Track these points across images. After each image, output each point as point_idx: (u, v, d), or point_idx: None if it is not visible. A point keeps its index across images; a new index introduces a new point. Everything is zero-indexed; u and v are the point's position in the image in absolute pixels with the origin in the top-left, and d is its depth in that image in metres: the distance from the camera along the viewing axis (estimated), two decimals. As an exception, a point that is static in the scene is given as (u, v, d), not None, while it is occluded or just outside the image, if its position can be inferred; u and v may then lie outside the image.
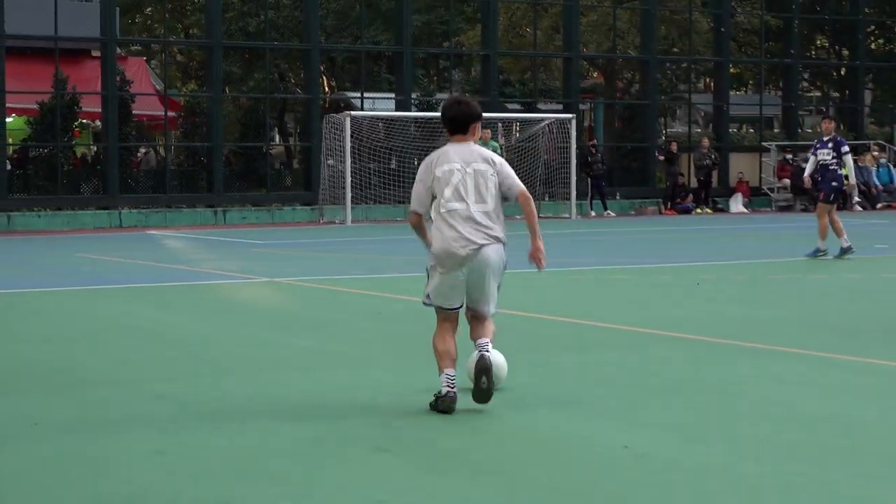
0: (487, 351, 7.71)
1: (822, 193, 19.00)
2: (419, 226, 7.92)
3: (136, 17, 50.92)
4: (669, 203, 36.39)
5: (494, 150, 25.81)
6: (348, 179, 31.06)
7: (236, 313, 12.76)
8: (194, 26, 48.95)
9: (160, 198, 32.18)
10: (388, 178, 32.68)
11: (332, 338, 10.85)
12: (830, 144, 19.19)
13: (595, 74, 48.93)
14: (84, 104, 32.72)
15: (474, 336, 7.90)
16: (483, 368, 7.58)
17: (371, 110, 36.09)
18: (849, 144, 19.89)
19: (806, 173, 19.66)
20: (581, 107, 39.57)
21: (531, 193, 8.05)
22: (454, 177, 7.79)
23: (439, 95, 38.71)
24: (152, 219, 31.05)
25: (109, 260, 20.18)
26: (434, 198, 7.82)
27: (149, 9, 50.53)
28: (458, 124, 7.96)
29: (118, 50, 33.89)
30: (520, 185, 7.84)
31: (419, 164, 8.27)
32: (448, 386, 7.65)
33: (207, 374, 9.07)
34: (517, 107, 39.25)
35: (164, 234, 27.85)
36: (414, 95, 35.83)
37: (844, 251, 18.77)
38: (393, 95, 36.51)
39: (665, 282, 15.72)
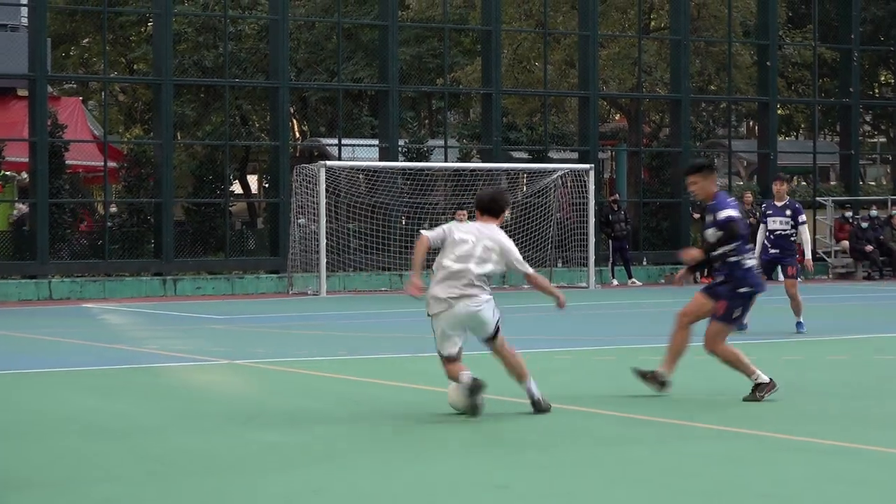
0: (535, 395, 11.44)
1: (791, 269, 19.57)
2: (421, 250, 11.30)
3: (70, 50, 51.31)
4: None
5: None
6: (322, 242, 31.16)
7: (190, 402, 12.79)
8: (140, 60, 49.34)
9: (98, 264, 32.25)
10: (370, 240, 32.80)
11: (303, 431, 10.88)
12: (788, 212, 19.70)
13: (617, 117, 49.29)
14: (8, 153, 32.93)
15: (515, 377, 11.50)
16: (540, 408, 11.39)
17: (350, 160, 36.29)
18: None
19: (758, 249, 20.01)
20: (600, 155, 39.77)
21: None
22: (466, 245, 11.31)
23: (432, 142, 38.93)
24: (89, 289, 31.10)
25: (37, 338, 20.18)
26: (439, 250, 11.37)
27: (86, 40, 50.91)
28: (490, 212, 11.62)
29: (49, 88, 34.12)
30: (525, 268, 11.45)
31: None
32: (469, 377, 11.09)
33: (157, 474, 9.10)
34: (524, 155, 39.43)
35: (103, 307, 27.86)
36: (401, 142, 36.04)
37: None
38: (376, 142, 36.69)
39: (701, 364, 15.77)
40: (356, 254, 32.98)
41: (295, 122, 48.63)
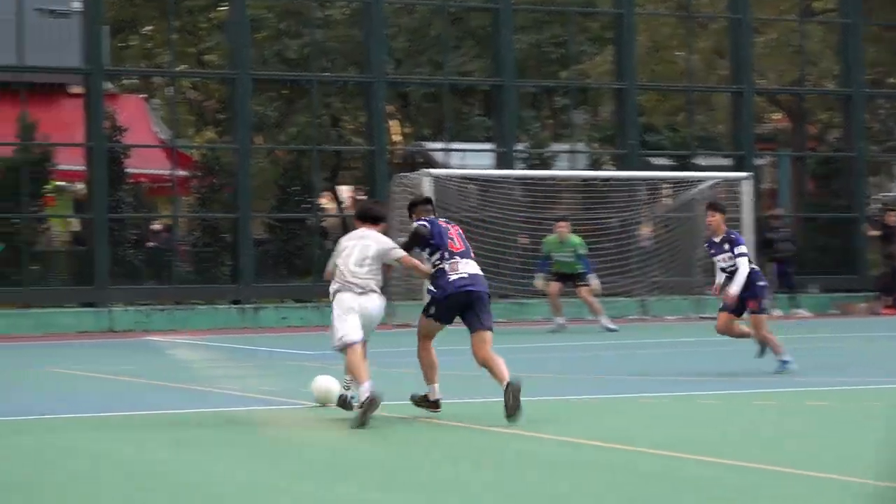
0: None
1: (751, 303, 19.17)
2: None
3: (130, 39, 51.75)
4: (891, 298, 36.11)
5: (577, 246, 28.95)
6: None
7: (280, 454, 12.70)
8: (213, 51, 49.67)
9: (166, 290, 32.43)
10: (484, 263, 32.49)
11: (423, 493, 10.67)
12: (726, 246, 19.29)
13: (777, 116, 48.85)
14: (59, 159, 33.18)
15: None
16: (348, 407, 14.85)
17: (459, 167, 36.24)
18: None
19: (726, 284, 19.51)
20: (757, 162, 39.46)
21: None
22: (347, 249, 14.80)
23: (555, 146, 38.79)
24: (155, 320, 31.29)
25: (95, 377, 20.29)
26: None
27: (149, 27, 51.32)
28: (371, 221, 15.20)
29: (107, 84, 34.37)
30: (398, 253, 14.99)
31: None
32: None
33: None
34: (666, 162, 39.23)
35: (172, 340, 28.00)
36: (519, 147, 35.95)
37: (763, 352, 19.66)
38: (490, 147, 36.67)
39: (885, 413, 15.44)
40: (467, 277, 32.82)
41: (395, 122, 48.70)
